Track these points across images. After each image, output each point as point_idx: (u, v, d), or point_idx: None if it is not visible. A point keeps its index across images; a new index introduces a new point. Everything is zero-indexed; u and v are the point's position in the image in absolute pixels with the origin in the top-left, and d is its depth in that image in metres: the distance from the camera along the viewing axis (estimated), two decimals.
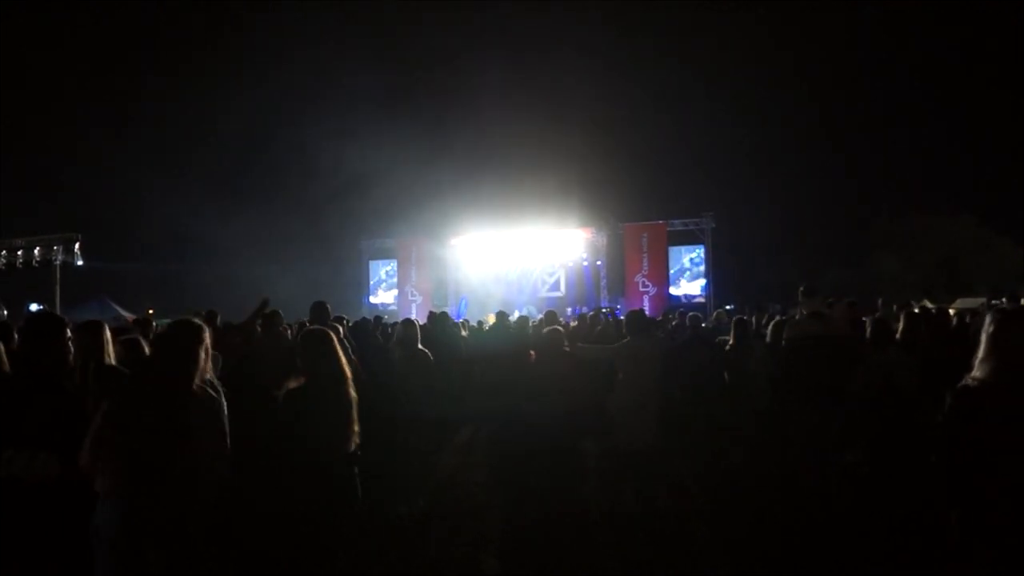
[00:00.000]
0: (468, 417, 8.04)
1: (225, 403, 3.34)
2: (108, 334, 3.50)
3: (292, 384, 3.63)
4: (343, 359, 3.71)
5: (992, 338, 2.60)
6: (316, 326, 4.40)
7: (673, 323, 10.31)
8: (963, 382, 2.63)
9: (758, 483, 5.66)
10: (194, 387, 2.89)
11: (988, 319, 2.67)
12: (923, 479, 4.70)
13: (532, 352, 6.11)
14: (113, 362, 3.46)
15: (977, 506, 2.55)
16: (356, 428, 3.65)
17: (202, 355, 2.95)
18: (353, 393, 3.68)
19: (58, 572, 2.88)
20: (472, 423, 8.18)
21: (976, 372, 2.62)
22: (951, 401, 2.63)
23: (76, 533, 2.82)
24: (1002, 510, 2.48)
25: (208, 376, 3.00)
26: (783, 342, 5.58)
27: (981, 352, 2.62)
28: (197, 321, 3.07)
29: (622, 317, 9.46)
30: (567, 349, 5.77)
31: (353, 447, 3.65)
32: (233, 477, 3.12)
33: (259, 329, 6.71)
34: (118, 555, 2.69)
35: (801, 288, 5.50)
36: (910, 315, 5.61)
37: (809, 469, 5.26)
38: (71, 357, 3.07)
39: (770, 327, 6.41)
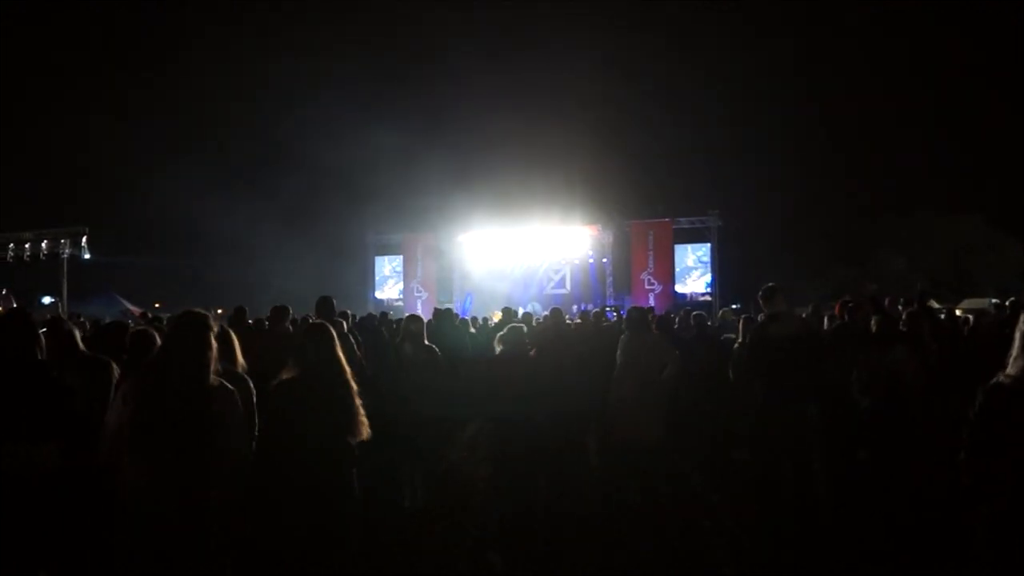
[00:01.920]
0: (472, 413, 8.05)
1: (251, 393, 3.36)
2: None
3: (286, 375, 3.61)
4: (339, 351, 3.67)
5: None
6: (319, 320, 4.40)
7: (677, 321, 10.29)
8: (995, 379, 2.60)
9: (761, 479, 5.65)
10: (210, 377, 2.90)
11: (1023, 317, 2.65)
12: (928, 476, 4.71)
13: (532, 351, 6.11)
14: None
15: (1006, 504, 2.53)
16: (362, 419, 3.61)
17: (213, 345, 2.95)
18: (354, 384, 3.63)
19: (60, 564, 2.89)
20: (476, 419, 8.18)
21: (1009, 369, 2.59)
22: (982, 399, 2.60)
23: (78, 524, 2.83)
24: None
25: (217, 366, 2.99)
26: (744, 343, 5.59)
27: (1014, 350, 2.59)
28: (202, 311, 3.08)
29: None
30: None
31: (358, 438, 3.59)
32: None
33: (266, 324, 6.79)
34: (143, 545, 2.71)
35: (759, 293, 5.43)
36: (912, 314, 5.59)
37: (806, 468, 5.25)
38: (41, 350, 3.10)
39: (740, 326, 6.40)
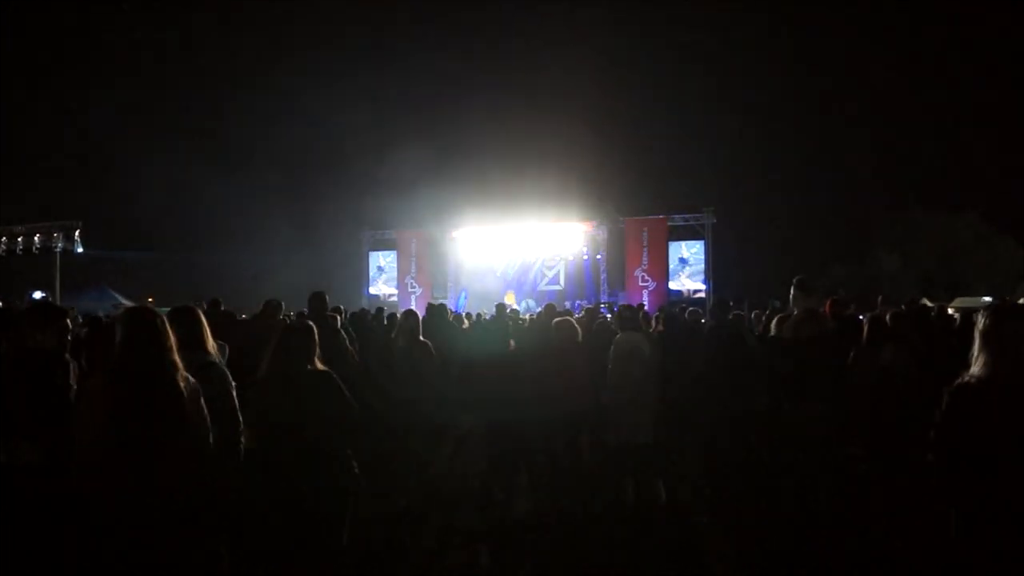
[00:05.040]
0: (466, 409, 8.04)
1: (229, 381, 3.32)
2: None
3: (263, 374, 3.57)
4: (316, 361, 3.62)
5: (985, 334, 2.61)
6: (303, 322, 4.35)
7: (672, 317, 10.29)
8: (960, 379, 2.63)
9: (757, 478, 5.66)
10: (174, 370, 2.79)
11: (981, 316, 2.68)
12: (922, 475, 4.72)
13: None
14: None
15: (975, 504, 2.55)
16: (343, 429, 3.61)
17: (169, 337, 2.84)
18: (336, 394, 3.59)
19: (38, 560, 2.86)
20: (470, 416, 8.17)
21: (972, 369, 2.62)
22: (948, 399, 2.63)
23: (54, 523, 2.79)
24: (1001, 508, 2.49)
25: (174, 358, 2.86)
26: (779, 340, 5.57)
27: (976, 349, 2.63)
28: (148, 307, 2.99)
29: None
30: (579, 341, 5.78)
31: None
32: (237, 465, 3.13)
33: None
34: (119, 544, 2.67)
35: (797, 280, 5.42)
36: (896, 314, 5.60)
37: (808, 465, 5.27)
38: (68, 346, 3.06)
39: (773, 322, 6.38)
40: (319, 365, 3.58)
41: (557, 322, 5.69)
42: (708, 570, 4.49)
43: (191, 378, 2.85)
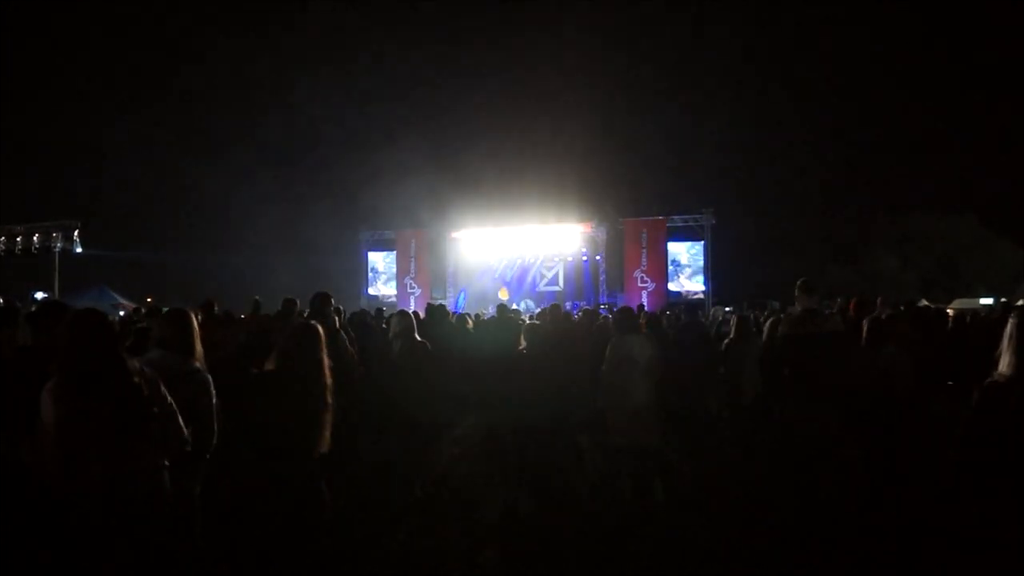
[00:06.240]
0: (466, 408, 8.04)
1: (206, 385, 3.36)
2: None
3: (268, 367, 3.59)
4: (324, 359, 3.66)
5: (1012, 336, 2.68)
6: (310, 320, 4.36)
7: (669, 316, 10.32)
8: (990, 378, 2.70)
9: (755, 477, 5.68)
10: (117, 371, 2.78)
11: (1012, 317, 2.75)
12: (920, 475, 4.74)
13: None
14: None
15: (1000, 501, 2.59)
16: (325, 433, 3.59)
17: (114, 340, 2.87)
18: (329, 397, 3.62)
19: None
20: (470, 414, 8.18)
21: (1001, 368, 2.68)
22: (978, 397, 2.68)
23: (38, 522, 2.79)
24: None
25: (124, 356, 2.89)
26: (777, 338, 5.58)
27: (1003, 350, 2.69)
28: (93, 308, 3.04)
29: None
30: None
31: (318, 449, 3.58)
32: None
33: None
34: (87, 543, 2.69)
35: (801, 281, 5.43)
36: (896, 315, 5.61)
37: (806, 464, 5.28)
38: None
39: (767, 324, 6.42)
40: (326, 374, 3.63)
41: (527, 325, 5.71)
42: (708, 570, 4.49)
43: (149, 374, 2.89)
